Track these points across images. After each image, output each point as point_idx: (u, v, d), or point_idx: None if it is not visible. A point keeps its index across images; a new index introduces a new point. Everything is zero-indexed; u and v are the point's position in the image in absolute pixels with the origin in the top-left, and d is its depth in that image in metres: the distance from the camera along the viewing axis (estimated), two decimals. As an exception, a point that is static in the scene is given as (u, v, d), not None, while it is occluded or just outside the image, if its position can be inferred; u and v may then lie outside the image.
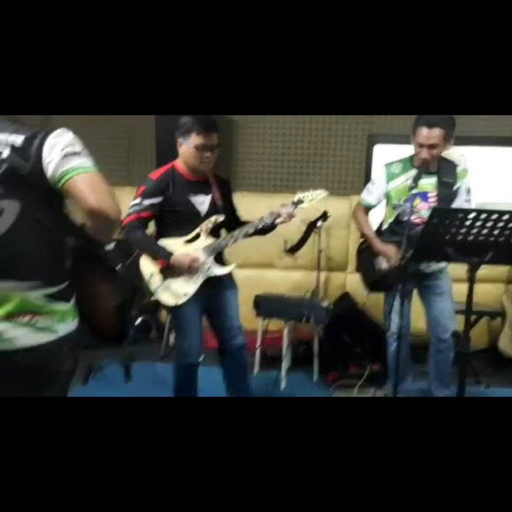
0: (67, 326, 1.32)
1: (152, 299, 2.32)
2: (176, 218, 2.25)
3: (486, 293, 3.36)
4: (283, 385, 3.02)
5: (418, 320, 2.75)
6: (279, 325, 3.17)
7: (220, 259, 2.38)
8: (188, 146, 2.19)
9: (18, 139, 1.20)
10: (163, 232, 2.30)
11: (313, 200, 2.35)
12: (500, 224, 1.79)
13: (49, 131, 1.22)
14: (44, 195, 1.22)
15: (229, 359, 2.45)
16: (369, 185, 2.63)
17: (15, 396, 1.27)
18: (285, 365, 3.07)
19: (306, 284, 3.59)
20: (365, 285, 2.68)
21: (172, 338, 3.52)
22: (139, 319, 3.30)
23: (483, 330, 3.55)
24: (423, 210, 2.41)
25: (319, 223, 3.49)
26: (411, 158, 2.48)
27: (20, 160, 1.19)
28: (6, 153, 1.19)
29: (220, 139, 2.27)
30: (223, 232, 2.42)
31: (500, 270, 3.55)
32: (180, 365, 2.39)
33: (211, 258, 2.30)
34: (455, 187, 2.44)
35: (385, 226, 2.61)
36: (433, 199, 2.44)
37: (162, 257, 2.23)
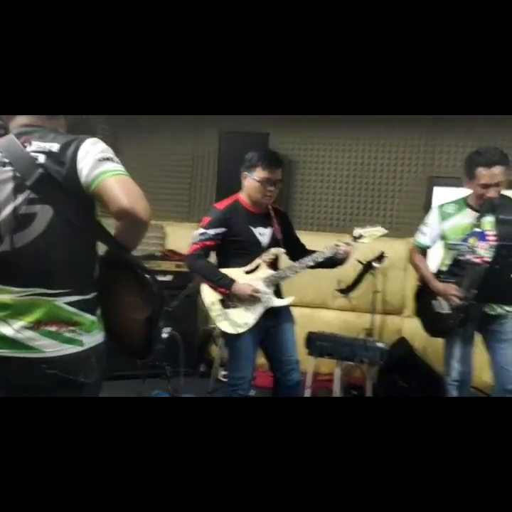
0: (94, 337, 1.31)
1: (212, 326, 2.35)
2: (237, 248, 2.30)
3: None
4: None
5: (482, 371, 2.58)
6: (331, 366, 3.09)
7: (278, 291, 2.39)
8: (252, 179, 2.27)
9: (55, 146, 1.23)
10: (224, 261, 2.35)
11: (373, 236, 2.34)
12: None
13: (83, 139, 1.25)
14: (77, 200, 1.23)
15: (283, 395, 2.40)
16: (422, 226, 2.58)
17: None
18: (336, 408, 2.95)
19: (360, 325, 3.50)
20: (424, 329, 2.57)
21: (221, 372, 3.51)
22: (166, 335, 3.01)
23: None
24: (482, 250, 2.32)
25: (375, 264, 3.44)
26: (465, 198, 2.44)
27: (55, 165, 1.21)
28: (42, 158, 1.22)
29: (282, 175, 2.34)
30: (282, 264, 2.44)
31: None
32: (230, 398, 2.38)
33: (271, 289, 2.33)
34: None
35: (443, 267, 2.52)
36: (492, 238, 2.34)
37: (224, 284, 2.26)
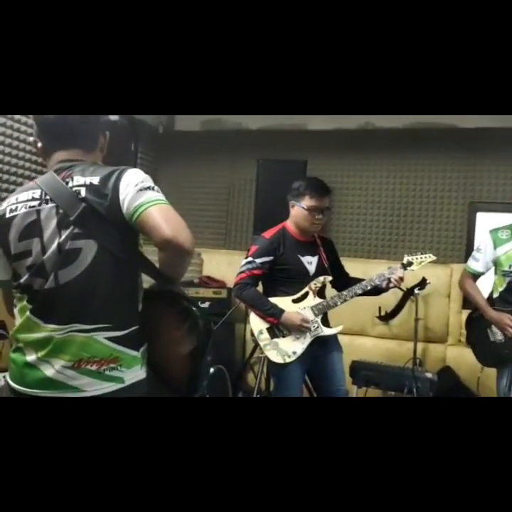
0: (135, 373, 1.26)
1: (260, 355, 2.33)
2: (285, 277, 2.30)
3: None
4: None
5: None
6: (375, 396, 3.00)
7: (325, 320, 2.36)
8: (300, 208, 2.27)
9: (95, 179, 1.23)
10: (271, 290, 2.35)
11: (423, 263, 2.31)
12: None
13: (124, 170, 1.24)
14: (120, 232, 1.22)
15: None
16: (474, 252, 2.53)
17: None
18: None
19: (401, 354, 3.41)
20: (477, 359, 2.49)
21: (259, 402, 3.44)
22: (213, 369, 2.96)
23: None
24: None
25: (417, 291, 3.36)
26: None
27: (97, 198, 1.21)
28: (83, 192, 1.22)
29: (330, 203, 2.35)
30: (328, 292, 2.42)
31: None
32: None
33: (319, 318, 2.30)
34: None
35: (495, 294, 2.46)
36: None
37: (273, 314, 2.24)
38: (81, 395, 1.20)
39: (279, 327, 2.28)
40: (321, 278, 2.32)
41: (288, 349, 2.25)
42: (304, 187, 2.27)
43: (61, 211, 1.22)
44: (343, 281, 2.38)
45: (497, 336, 2.38)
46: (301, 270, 2.30)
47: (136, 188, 1.20)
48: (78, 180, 1.23)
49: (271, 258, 2.27)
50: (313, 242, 2.37)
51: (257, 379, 3.43)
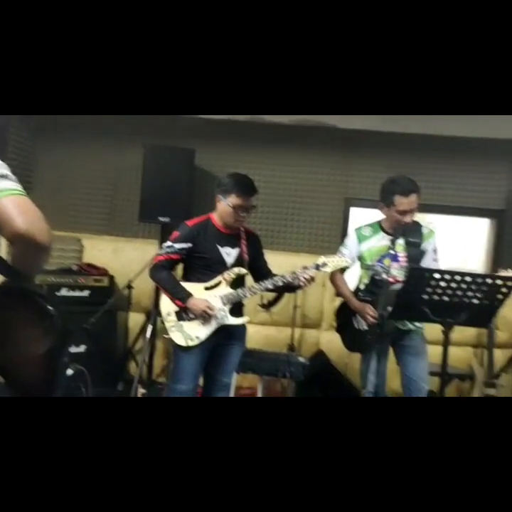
0: None
1: (165, 337, 2.48)
2: (202, 265, 2.37)
3: (456, 356, 3.44)
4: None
5: (393, 379, 2.78)
6: (253, 381, 3.14)
7: (237, 311, 2.44)
8: (226, 204, 2.33)
9: None
10: (188, 276, 2.43)
11: (337, 266, 2.45)
12: (474, 286, 1.89)
13: None
14: None
15: None
16: (341, 248, 2.75)
17: None
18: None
19: (280, 339, 3.61)
20: (344, 345, 2.72)
21: (140, 390, 3.42)
22: (71, 371, 2.90)
23: (452, 392, 3.61)
24: (395, 270, 2.52)
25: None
26: (379, 222, 2.64)
27: None
28: None
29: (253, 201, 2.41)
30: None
31: (469, 334, 3.66)
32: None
33: (227, 307, 2.37)
34: (422, 247, 2.57)
35: (361, 286, 2.70)
36: (403, 259, 2.56)
37: (181, 297, 2.32)
38: None
39: (186, 311, 2.35)
40: (236, 269, 2.40)
41: (192, 333, 2.33)
42: (231, 185, 2.33)
43: None
44: (262, 276, 2.47)
45: (361, 324, 2.61)
46: (218, 260, 2.37)
47: None
48: None
49: (189, 245, 2.35)
50: (236, 234, 2.43)
51: (139, 367, 3.40)
